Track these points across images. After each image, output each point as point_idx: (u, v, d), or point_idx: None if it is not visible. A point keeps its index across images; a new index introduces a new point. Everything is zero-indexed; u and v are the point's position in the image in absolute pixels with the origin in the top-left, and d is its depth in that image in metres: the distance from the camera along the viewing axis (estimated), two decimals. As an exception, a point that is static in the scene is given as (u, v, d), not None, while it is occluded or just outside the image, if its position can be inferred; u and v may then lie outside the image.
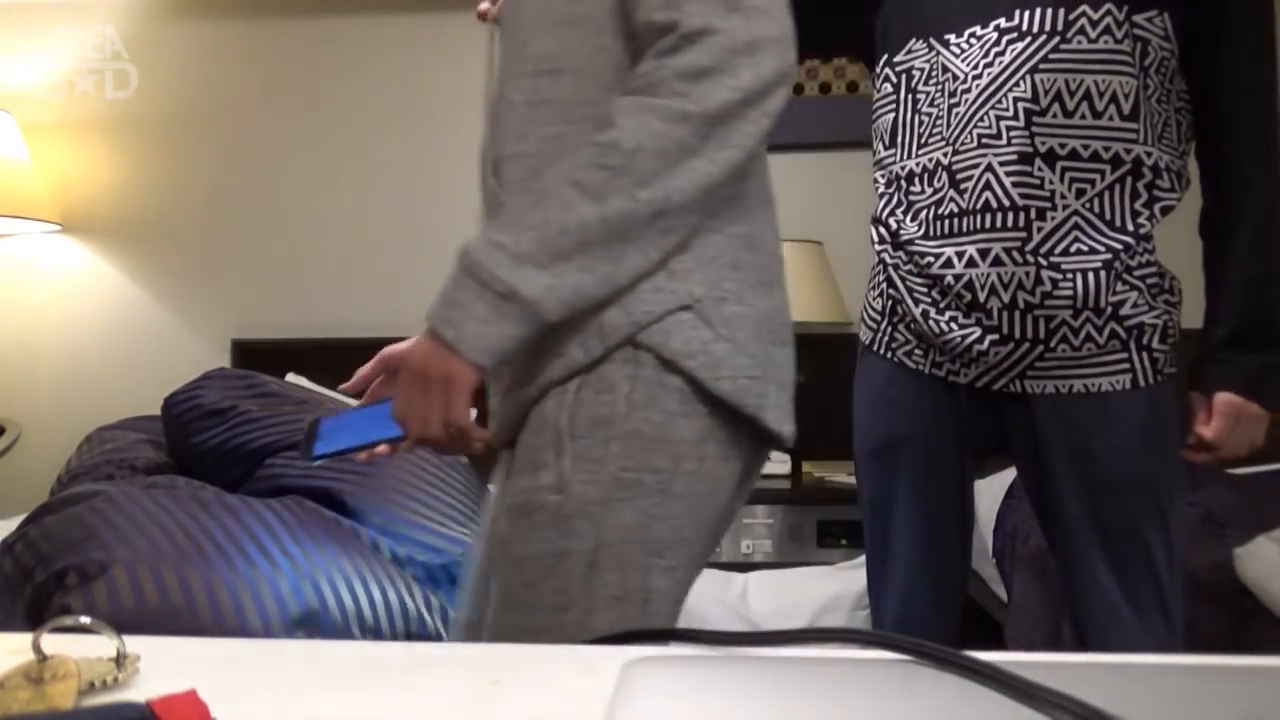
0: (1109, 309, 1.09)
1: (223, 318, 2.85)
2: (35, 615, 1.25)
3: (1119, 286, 1.09)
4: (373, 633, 1.39)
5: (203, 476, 1.77)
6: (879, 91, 1.25)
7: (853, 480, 2.41)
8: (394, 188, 2.81)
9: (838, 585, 2.12)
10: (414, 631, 1.44)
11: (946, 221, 1.15)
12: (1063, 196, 1.09)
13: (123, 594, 1.23)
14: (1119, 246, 1.09)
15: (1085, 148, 1.08)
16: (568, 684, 0.45)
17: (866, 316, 1.34)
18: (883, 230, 1.28)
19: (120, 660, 0.44)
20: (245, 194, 2.85)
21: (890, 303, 1.27)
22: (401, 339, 3.13)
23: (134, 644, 0.46)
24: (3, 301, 2.89)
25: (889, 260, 1.26)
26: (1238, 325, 1.10)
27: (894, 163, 1.24)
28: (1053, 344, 1.11)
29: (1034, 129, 1.08)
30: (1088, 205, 1.09)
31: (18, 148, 2.71)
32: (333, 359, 2.73)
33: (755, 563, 2.26)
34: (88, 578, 1.25)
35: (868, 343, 1.32)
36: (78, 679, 0.42)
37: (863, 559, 2.18)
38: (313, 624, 1.31)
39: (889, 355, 1.28)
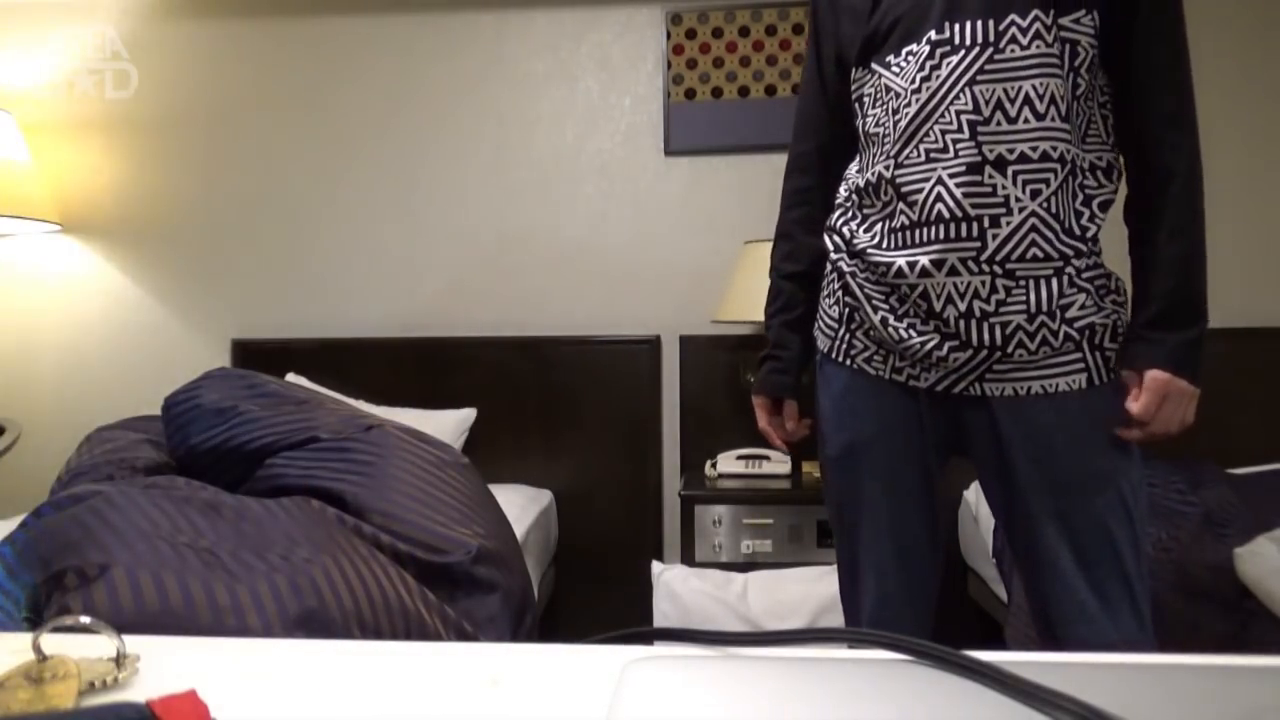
0: (1058, 312, 1.13)
1: (223, 318, 2.85)
2: (34, 616, 1.25)
3: (1069, 290, 1.13)
4: (373, 633, 1.39)
5: (203, 476, 1.77)
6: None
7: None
8: (394, 188, 2.81)
9: (837, 585, 2.12)
10: (414, 631, 1.44)
11: (900, 234, 1.19)
12: (1018, 199, 1.11)
13: (122, 595, 1.23)
14: (1070, 252, 1.13)
15: (1034, 149, 1.10)
16: (568, 684, 0.45)
17: (823, 324, 1.37)
18: (837, 239, 1.31)
19: (120, 660, 0.44)
20: (245, 194, 2.85)
21: (847, 310, 1.30)
22: (401, 339, 3.13)
23: (134, 644, 0.46)
24: (3, 301, 2.89)
25: (845, 268, 1.28)
26: (1163, 306, 1.12)
27: (852, 177, 1.30)
28: (1009, 349, 1.15)
29: (980, 138, 1.11)
30: (1044, 206, 1.11)
31: (18, 148, 2.71)
32: (333, 359, 2.73)
33: (755, 563, 2.26)
34: (87, 579, 1.25)
35: (826, 350, 1.36)
36: (78, 679, 0.42)
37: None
38: (313, 624, 1.31)
39: (847, 362, 1.31)
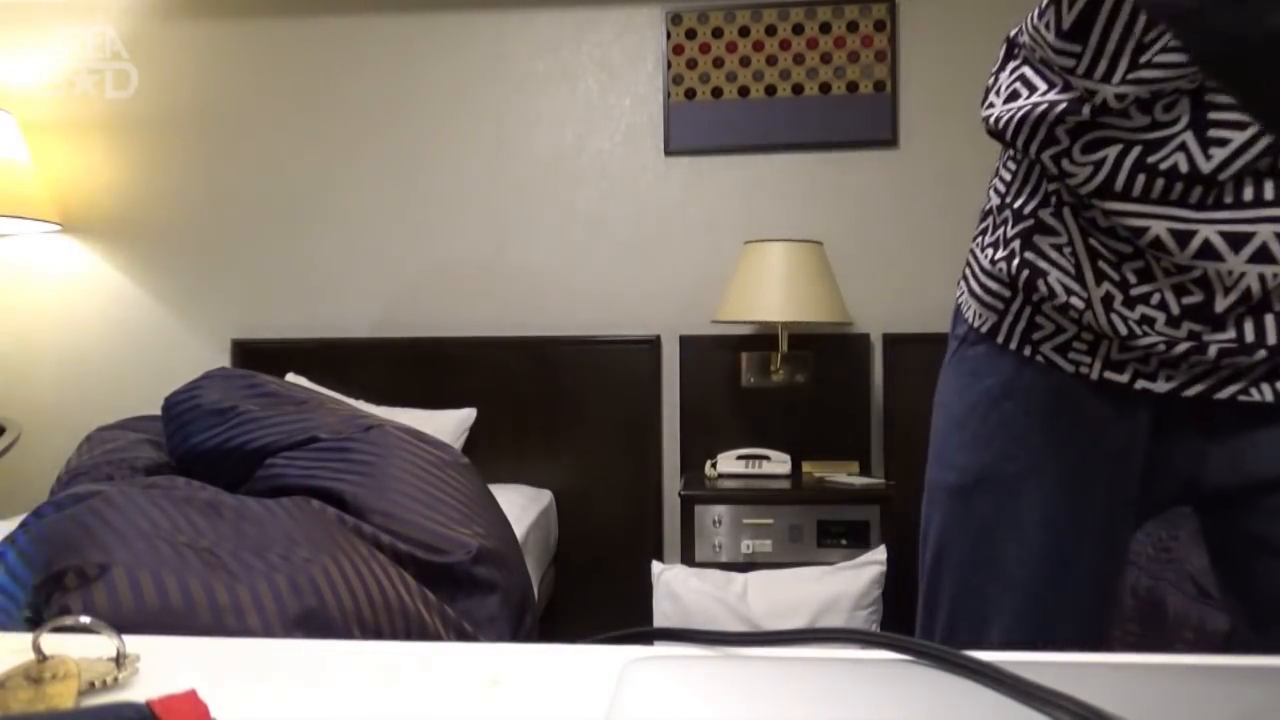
0: None
1: (223, 318, 2.85)
2: (34, 616, 1.25)
3: None
4: (373, 633, 1.39)
5: (203, 476, 1.77)
6: None
7: (852, 480, 2.42)
8: (394, 188, 2.81)
9: (838, 585, 2.12)
10: (414, 631, 1.44)
11: (1167, 179, 0.73)
12: None
13: (122, 595, 1.23)
14: None
15: None
16: (568, 684, 0.45)
17: (979, 285, 0.88)
18: (1049, 159, 0.81)
19: (120, 660, 0.44)
20: (245, 194, 2.85)
21: (1027, 272, 0.82)
22: (401, 339, 3.13)
23: (134, 644, 0.46)
24: (3, 301, 2.89)
25: (1055, 201, 0.82)
26: None
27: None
28: None
29: None
30: None
31: (18, 148, 2.71)
32: (333, 359, 2.73)
33: (755, 563, 2.26)
34: (87, 579, 1.25)
35: (980, 324, 0.88)
36: (78, 679, 0.42)
37: (863, 558, 2.18)
38: (312, 624, 1.31)
39: (1024, 349, 0.84)
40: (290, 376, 2.62)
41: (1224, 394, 0.75)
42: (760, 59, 2.68)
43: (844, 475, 2.44)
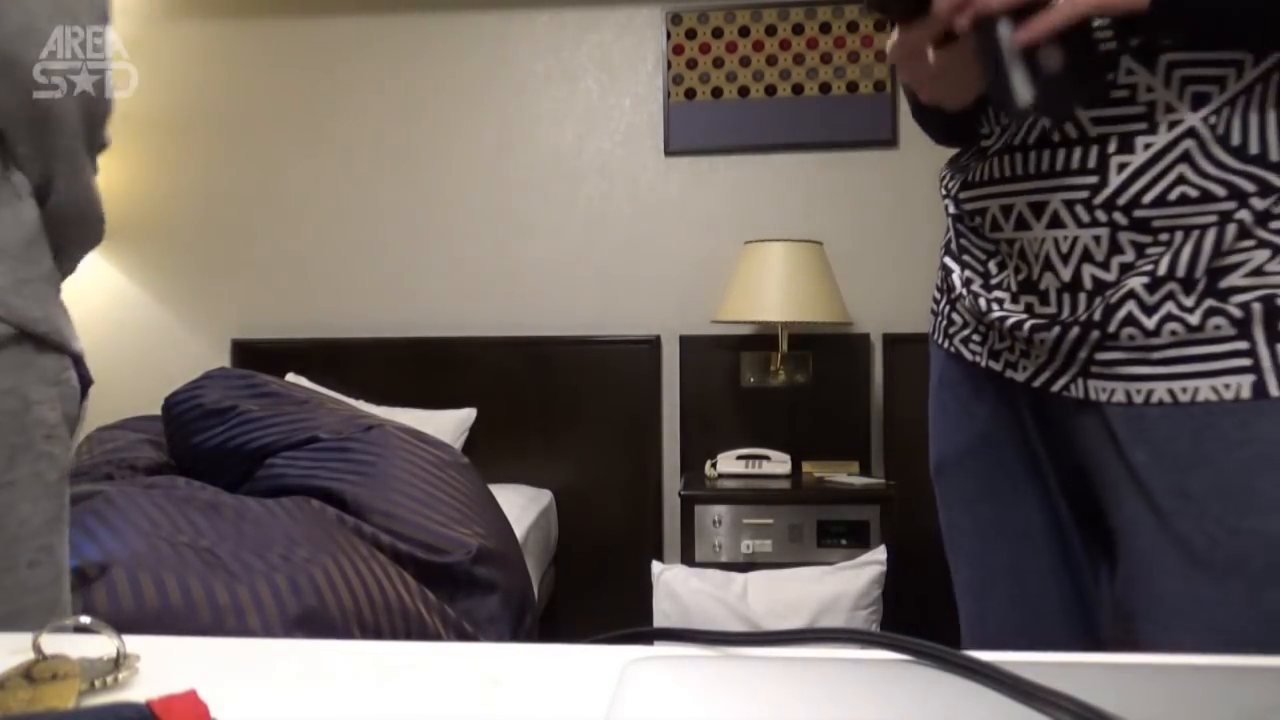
0: (1204, 279, 0.73)
1: (223, 318, 2.85)
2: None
3: (1239, 246, 0.72)
4: (373, 633, 1.39)
5: (203, 476, 1.77)
6: None
7: (852, 480, 2.42)
8: (393, 188, 2.81)
9: (838, 585, 2.12)
10: (414, 631, 1.44)
11: (999, 161, 0.87)
12: (1170, 109, 0.76)
13: (122, 595, 1.23)
14: (1249, 187, 0.72)
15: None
16: (568, 684, 0.45)
17: (934, 294, 0.99)
18: (946, 174, 0.99)
19: (120, 660, 0.44)
20: (245, 194, 2.85)
21: (943, 271, 0.97)
22: (401, 339, 3.13)
23: (134, 644, 0.46)
24: (3, 301, 2.89)
25: (951, 210, 0.96)
26: None
27: None
28: (1112, 327, 0.77)
29: None
30: (1209, 120, 0.74)
31: (18, 148, 2.71)
32: (333, 359, 2.73)
33: (755, 563, 2.26)
34: (87, 579, 1.25)
35: (931, 329, 1.00)
36: (78, 679, 0.42)
37: (863, 558, 2.19)
38: (313, 624, 1.31)
39: (945, 343, 0.96)
40: (290, 376, 2.62)
41: (1056, 386, 0.82)
42: (760, 59, 2.68)
43: (844, 475, 2.45)
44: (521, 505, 2.37)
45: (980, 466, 0.91)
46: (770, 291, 2.33)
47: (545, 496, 2.58)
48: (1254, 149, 0.71)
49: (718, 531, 2.30)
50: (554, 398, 2.69)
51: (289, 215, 2.84)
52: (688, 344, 2.69)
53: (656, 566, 2.24)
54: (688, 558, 2.31)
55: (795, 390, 2.63)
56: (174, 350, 2.85)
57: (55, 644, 0.44)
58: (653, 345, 2.69)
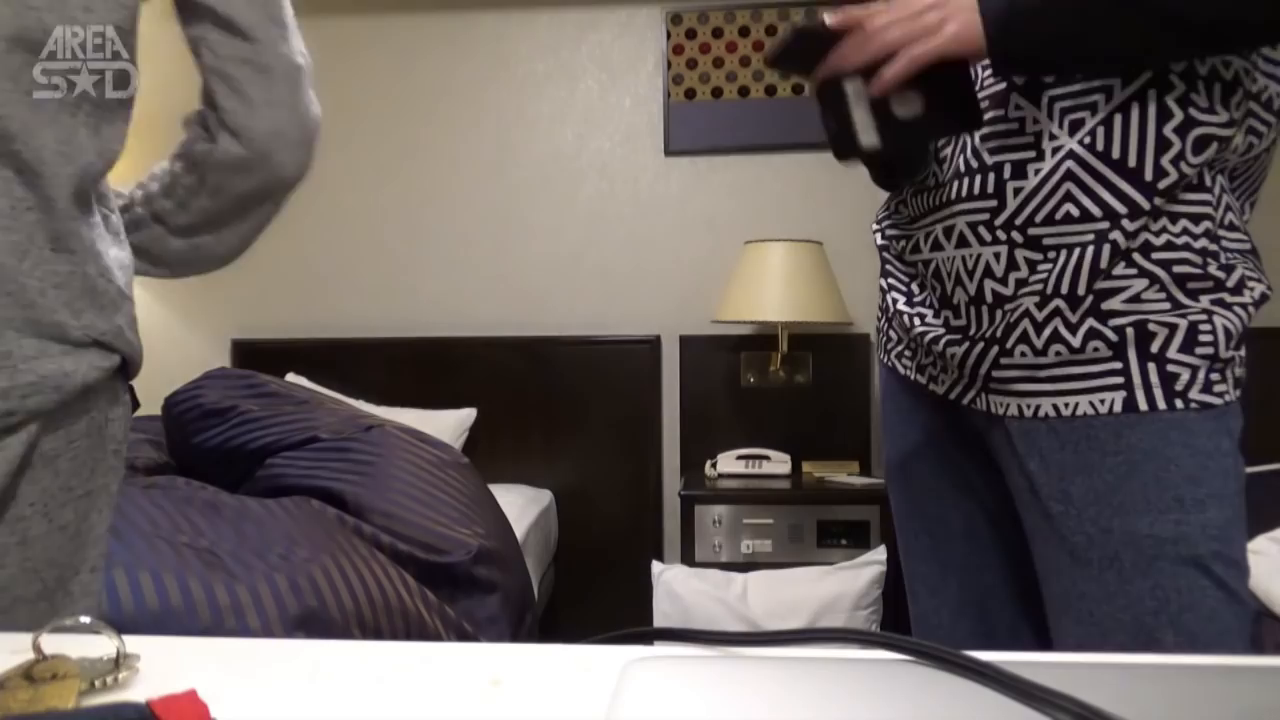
0: (1089, 298, 0.80)
1: (223, 318, 2.85)
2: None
3: (1114, 267, 0.79)
4: (373, 633, 1.39)
5: (203, 476, 1.77)
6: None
7: (852, 480, 2.42)
8: (393, 188, 2.81)
9: (838, 585, 2.12)
10: (414, 631, 1.44)
11: (925, 196, 0.95)
12: (1052, 137, 0.85)
13: (122, 595, 1.23)
14: (1120, 209, 0.78)
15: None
16: (568, 684, 0.45)
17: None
18: (881, 212, 1.08)
19: (120, 660, 0.44)
20: (245, 194, 2.85)
21: (879, 291, 1.07)
22: (401, 339, 3.12)
23: (134, 644, 0.46)
24: (3, 301, 2.89)
25: (879, 240, 1.05)
26: None
27: None
28: (1009, 343, 0.84)
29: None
30: (1086, 141, 0.83)
31: (18, 148, 2.71)
32: (333, 359, 2.73)
33: (755, 563, 2.26)
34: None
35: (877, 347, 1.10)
36: (78, 679, 0.42)
37: (863, 558, 2.19)
38: (313, 624, 1.31)
39: (884, 359, 1.07)
40: (290, 376, 2.62)
41: (965, 400, 0.90)
42: (760, 59, 2.68)
43: (844, 475, 2.45)
44: (521, 505, 2.37)
45: (923, 469, 1.00)
46: (770, 291, 2.33)
47: (545, 497, 2.58)
48: (1132, 162, 0.77)
49: (718, 531, 2.30)
50: (554, 398, 2.69)
51: (289, 215, 2.81)
52: (688, 344, 2.69)
53: (656, 566, 2.24)
54: (688, 558, 2.31)
55: (795, 390, 2.63)
56: (174, 350, 2.85)
57: (55, 644, 0.44)
58: (653, 345, 2.69)
